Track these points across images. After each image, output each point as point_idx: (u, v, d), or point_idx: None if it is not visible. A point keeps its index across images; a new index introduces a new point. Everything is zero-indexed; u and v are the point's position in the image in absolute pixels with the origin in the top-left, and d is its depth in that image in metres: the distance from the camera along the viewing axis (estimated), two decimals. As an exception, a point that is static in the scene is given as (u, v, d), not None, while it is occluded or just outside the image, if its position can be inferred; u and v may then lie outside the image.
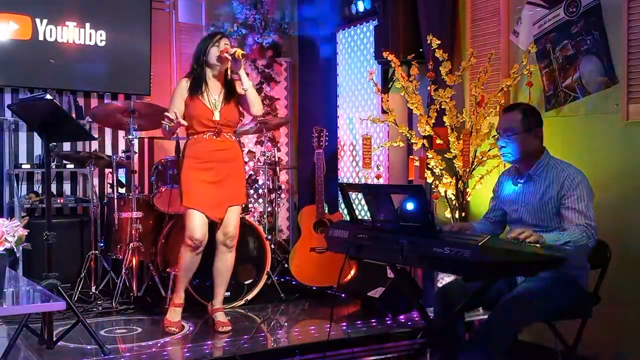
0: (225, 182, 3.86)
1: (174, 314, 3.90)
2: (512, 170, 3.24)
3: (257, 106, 3.89)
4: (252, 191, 5.85)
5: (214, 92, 3.85)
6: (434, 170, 4.32)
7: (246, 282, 4.57)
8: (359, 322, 4.09)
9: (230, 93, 3.89)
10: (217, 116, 3.82)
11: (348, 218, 3.12)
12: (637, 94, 3.53)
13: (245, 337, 3.71)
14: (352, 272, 4.70)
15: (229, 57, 3.78)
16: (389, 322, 4.10)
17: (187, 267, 3.87)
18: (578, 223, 2.86)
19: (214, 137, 3.83)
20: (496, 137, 3.24)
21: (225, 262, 3.96)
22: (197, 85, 3.83)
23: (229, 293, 4.46)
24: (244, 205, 4.88)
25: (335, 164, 5.68)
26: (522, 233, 2.66)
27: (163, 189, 4.60)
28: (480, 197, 4.20)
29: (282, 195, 6.13)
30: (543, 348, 3.52)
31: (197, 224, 3.79)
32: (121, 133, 5.57)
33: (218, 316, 3.94)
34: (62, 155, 5.08)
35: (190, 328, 3.94)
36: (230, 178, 3.89)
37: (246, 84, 3.80)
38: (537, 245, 2.63)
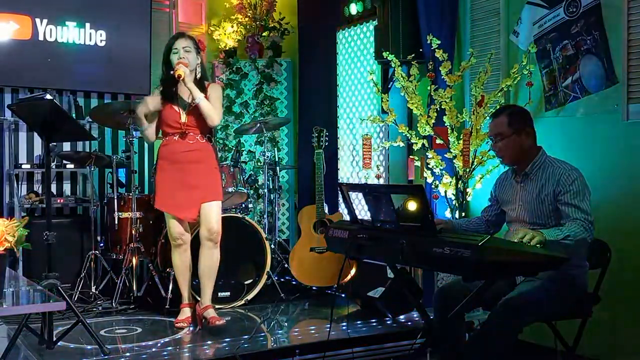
0: (197, 182, 3.90)
1: (181, 313, 4.02)
2: (509, 171, 3.25)
3: (210, 117, 3.84)
4: (252, 191, 5.85)
5: (183, 95, 3.90)
6: (434, 170, 4.32)
7: (246, 282, 4.57)
8: (359, 322, 4.09)
9: (197, 93, 3.84)
10: (184, 118, 3.86)
11: (348, 218, 3.11)
12: (637, 94, 3.53)
13: (245, 337, 3.71)
14: (352, 272, 4.70)
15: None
16: (389, 322, 4.10)
17: (181, 266, 4.01)
18: (575, 217, 2.87)
19: (185, 138, 3.87)
20: (489, 142, 3.25)
21: (210, 258, 3.94)
22: (167, 91, 3.90)
23: (228, 293, 4.47)
24: (243, 205, 4.90)
25: (335, 164, 5.68)
26: (525, 236, 2.67)
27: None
28: (480, 197, 4.20)
29: (282, 195, 6.13)
30: (543, 348, 3.52)
31: (172, 223, 3.93)
32: (121, 133, 5.57)
33: (210, 313, 3.93)
34: (62, 155, 5.08)
35: (190, 328, 3.94)
36: (202, 178, 3.92)
37: (196, 98, 3.79)
38: (538, 245, 2.64)
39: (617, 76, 3.60)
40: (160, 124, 3.96)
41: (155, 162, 4.76)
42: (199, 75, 3.91)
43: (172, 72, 3.82)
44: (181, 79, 3.76)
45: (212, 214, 3.91)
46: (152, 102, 3.90)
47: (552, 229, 2.83)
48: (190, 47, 3.86)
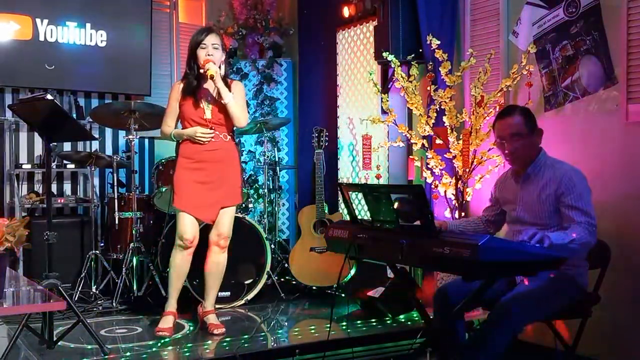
0: (218, 183, 3.81)
1: (164, 321, 3.80)
2: (510, 171, 3.25)
3: (239, 119, 3.81)
4: (252, 191, 5.86)
5: (207, 92, 3.81)
6: (434, 170, 4.32)
7: (246, 282, 4.57)
8: (359, 322, 4.09)
9: (220, 94, 3.79)
10: (208, 114, 3.76)
11: (348, 218, 3.12)
12: (637, 94, 3.53)
13: (245, 337, 3.72)
14: (352, 272, 4.70)
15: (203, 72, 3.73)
16: (389, 322, 4.10)
17: (179, 267, 3.79)
18: (579, 221, 2.87)
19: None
20: (498, 143, 3.19)
21: (217, 263, 3.88)
22: (189, 87, 3.79)
23: (228, 293, 4.47)
24: (244, 205, 4.90)
25: (335, 164, 5.69)
26: (532, 237, 2.67)
27: (163, 189, 4.61)
28: (480, 197, 4.21)
29: (282, 195, 6.14)
30: (543, 348, 3.52)
31: (187, 224, 3.75)
32: (121, 133, 5.58)
33: (210, 319, 3.89)
34: (62, 155, 5.08)
35: (190, 328, 3.95)
36: (224, 179, 3.84)
37: (225, 98, 3.74)
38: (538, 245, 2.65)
39: (616, 76, 3.61)
40: (181, 119, 3.84)
41: (159, 160, 4.80)
42: (222, 73, 3.81)
43: (202, 70, 3.72)
44: (213, 78, 3.67)
45: (227, 220, 3.85)
46: (177, 96, 3.81)
47: (558, 232, 2.82)
48: (218, 44, 3.76)
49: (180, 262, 3.80)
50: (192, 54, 3.79)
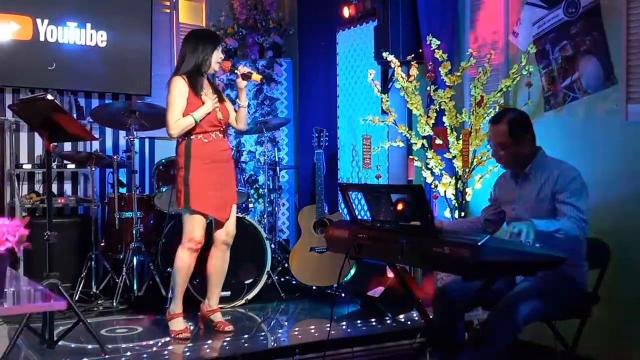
0: (227, 182, 3.86)
1: (177, 324, 3.80)
2: (509, 171, 3.26)
3: (245, 123, 3.99)
4: (252, 191, 5.86)
5: (208, 92, 3.82)
6: (434, 170, 4.32)
7: (246, 282, 4.58)
8: (359, 322, 4.10)
9: (219, 93, 3.90)
10: (219, 115, 3.79)
11: (348, 218, 3.12)
12: (637, 94, 3.53)
13: (245, 337, 3.72)
14: (352, 272, 4.71)
15: (239, 74, 3.82)
16: (389, 322, 4.10)
17: (188, 270, 3.78)
18: (570, 215, 2.89)
19: (221, 136, 3.82)
20: (488, 147, 3.25)
21: (224, 261, 3.92)
22: (197, 84, 3.76)
23: (229, 293, 4.48)
24: (244, 205, 4.91)
25: (335, 164, 5.69)
26: (515, 227, 2.68)
27: (164, 189, 4.61)
28: (480, 197, 4.21)
29: (282, 195, 6.14)
30: (543, 348, 3.52)
31: (200, 226, 3.75)
32: (122, 133, 5.58)
33: (218, 317, 3.92)
34: (62, 155, 5.09)
35: (191, 328, 3.95)
36: (232, 177, 3.92)
37: (245, 102, 3.90)
38: (535, 243, 2.65)
39: (616, 76, 3.61)
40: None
41: (160, 160, 4.78)
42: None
43: (243, 72, 3.82)
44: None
45: (234, 218, 3.91)
46: (185, 92, 3.74)
47: (545, 220, 2.83)
48: None
49: (189, 263, 3.78)
50: (211, 54, 3.77)
